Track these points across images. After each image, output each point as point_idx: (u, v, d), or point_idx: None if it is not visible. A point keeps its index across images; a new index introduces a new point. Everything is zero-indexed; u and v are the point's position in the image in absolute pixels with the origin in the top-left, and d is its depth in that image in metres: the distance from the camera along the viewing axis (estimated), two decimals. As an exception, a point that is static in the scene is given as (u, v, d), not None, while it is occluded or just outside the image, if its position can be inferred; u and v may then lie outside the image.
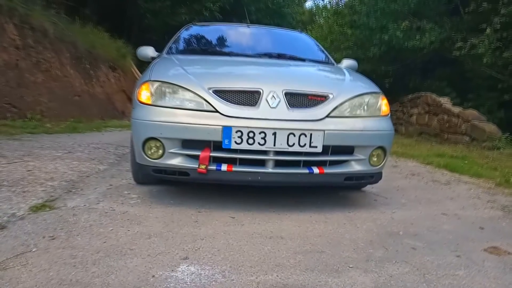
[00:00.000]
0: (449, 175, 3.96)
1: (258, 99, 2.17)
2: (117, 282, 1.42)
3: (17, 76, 7.03)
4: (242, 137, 2.10)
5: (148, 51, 3.35)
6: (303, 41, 3.77)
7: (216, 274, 1.51)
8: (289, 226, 2.11)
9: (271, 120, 2.13)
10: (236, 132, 2.09)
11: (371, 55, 9.68)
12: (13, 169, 2.90)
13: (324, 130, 2.16)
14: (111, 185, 2.79)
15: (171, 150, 2.18)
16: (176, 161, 2.19)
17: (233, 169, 2.17)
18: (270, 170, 2.19)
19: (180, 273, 1.51)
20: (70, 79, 9.02)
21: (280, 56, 3.18)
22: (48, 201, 2.27)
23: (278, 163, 2.21)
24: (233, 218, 2.19)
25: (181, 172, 2.20)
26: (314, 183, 2.32)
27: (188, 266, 1.57)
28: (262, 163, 2.20)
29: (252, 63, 2.80)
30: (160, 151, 2.20)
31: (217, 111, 2.13)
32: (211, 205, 2.39)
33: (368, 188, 3.08)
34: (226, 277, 1.50)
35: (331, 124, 2.20)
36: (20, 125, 6.04)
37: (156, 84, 2.25)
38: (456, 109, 7.60)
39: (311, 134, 2.14)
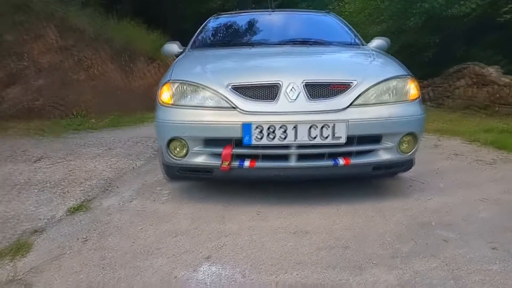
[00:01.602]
0: (496, 153, 3.71)
1: (277, 93, 2.14)
2: (141, 284, 1.48)
3: (61, 76, 7.39)
4: (263, 133, 2.08)
5: (173, 47, 3.37)
6: (329, 23, 3.64)
7: (236, 274, 1.53)
8: (315, 219, 2.09)
9: (291, 113, 2.09)
10: (256, 128, 2.08)
11: (411, 25, 9.15)
12: (55, 169, 3.08)
13: (347, 120, 2.09)
14: (145, 181, 2.88)
15: (194, 149, 2.21)
16: (200, 160, 2.22)
17: (256, 165, 2.17)
18: (293, 164, 2.16)
19: (201, 273, 1.55)
20: (110, 75, 9.35)
21: (304, 42, 3.09)
22: (85, 201, 2.39)
23: (301, 157, 2.18)
24: (259, 212, 2.20)
25: (205, 170, 2.23)
26: (340, 175, 2.27)
27: (210, 266, 1.60)
28: (285, 157, 2.18)
29: (273, 54, 2.75)
30: (184, 151, 2.23)
31: (236, 108, 2.12)
32: (238, 199, 2.41)
33: (406, 173, 2.96)
34: (246, 276, 1.52)
35: (355, 113, 2.12)
36: (66, 123, 6.38)
37: (176, 84, 2.27)
38: (506, 79, 7.07)
39: (333, 125, 2.08)
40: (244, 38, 3.37)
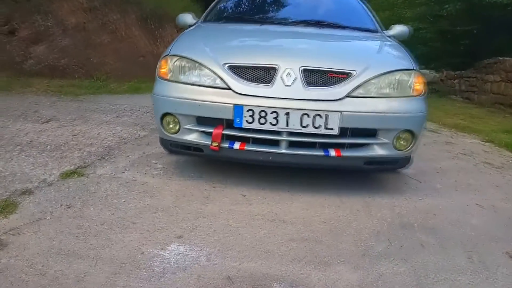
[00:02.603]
0: (507, 157, 3.57)
1: (273, 76, 2.09)
2: (108, 256, 1.52)
3: (84, 38, 7.48)
4: (254, 117, 2.06)
5: (186, 18, 3.32)
6: (351, 5, 3.49)
7: (201, 257, 1.55)
8: (297, 208, 2.08)
9: (284, 99, 2.05)
10: (248, 111, 2.05)
11: (448, 10, 8.71)
12: (60, 133, 3.16)
13: (341, 112, 2.04)
14: (144, 153, 2.92)
15: (187, 126, 2.21)
16: (191, 137, 2.23)
17: (246, 148, 2.15)
18: (283, 150, 2.13)
19: (168, 252, 1.57)
20: (135, 40, 9.38)
21: (318, 24, 2.99)
22: (79, 168, 2.45)
23: (293, 144, 2.15)
24: (244, 196, 2.20)
25: (196, 148, 2.24)
26: (330, 166, 2.23)
27: (178, 245, 1.63)
28: (276, 143, 2.15)
29: (279, 34, 2.67)
30: (177, 127, 2.24)
31: (230, 89, 2.09)
32: (229, 180, 2.42)
33: (406, 169, 2.89)
34: (210, 260, 1.53)
35: (350, 105, 2.06)
36: (86, 85, 6.50)
37: (174, 59, 2.25)
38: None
39: (326, 115, 2.03)
40: (256, 14, 3.27)
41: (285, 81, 2.08)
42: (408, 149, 2.23)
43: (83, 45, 7.35)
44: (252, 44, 2.50)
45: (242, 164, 2.66)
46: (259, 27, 2.82)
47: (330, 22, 3.02)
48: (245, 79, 2.11)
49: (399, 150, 2.21)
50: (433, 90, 10.55)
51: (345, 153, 2.14)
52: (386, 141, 2.16)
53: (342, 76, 2.12)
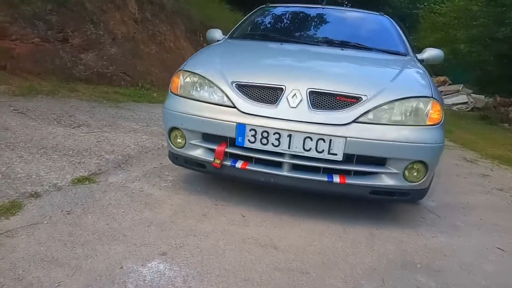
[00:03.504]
0: (552, 196, 3.23)
1: (279, 97, 2.05)
2: (88, 267, 1.53)
3: (133, 48, 7.84)
4: (256, 136, 2.02)
5: (216, 34, 3.38)
6: (381, 26, 3.38)
7: (178, 277, 1.53)
8: (295, 235, 2.00)
9: (288, 120, 2.00)
10: (250, 130, 2.02)
11: (501, 36, 8.21)
12: (86, 139, 3.29)
13: (346, 137, 1.95)
14: (160, 163, 2.97)
15: (192, 142, 2.22)
16: (196, 153, 2.23)
17: (247, 167, 2.12)
18: (285, 173, 2.08)
19: (147, 269, 1.56)
20: (182, 51, 9.69)
21: (343, 44, 2.92)
22: (93, 174, 2.53)
23: (296, 167, 2.08)
24: (244, 216, 2.16)
25: (199, 164, 2.23)
26: (334, 192, 2.13)
27: (159, 263, 1.61)
28: (278, 164, 2.10)
29: (295, 54, 2.63)
30: (183, 141, 2.25)
31: (235, 107, 2.08)
32: (233, 198, 2.39)
33: (428, 201, 2.71)
34: (186, 282, 1.50)
35: (357, 131, 1.97)
36: (130, 93, 6.80)
37: (186, 75, 2.28)
38: None
39: (330, 140, 1.96)
40: (282, 33, 3.25)
41: (290, 103, 2.03)
42: (420, 181, 2.08)
43: (130, 54, 7.70)
44: (264, 63, 2.47)
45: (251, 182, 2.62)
46: (280, 46, 2.80)
47: (356, 43, 2.95)
48: (251, 98, 2.09)
49: (410, 181, 2.07)
50: (483, 117, 9.93)
51: (350, 180, 2.04)
52: (396, 171, 2.03)
53: (352, 100, 2.03)
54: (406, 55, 2.92)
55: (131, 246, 1.72)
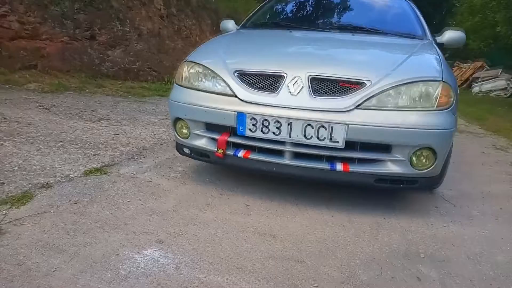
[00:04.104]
0: None
1: (280, 84, 2.02)
2: (85, 254, 1.58)
3: (158, 43, 7.97)
4: (256, 125, 2.00)
5: (229, 24, 3.37)
6: (398, 9, 3.24)
7: (171, 265, 1.54)
8: (296, 224, 1.97)
9: (288, 108, 1.97)
10: (251, 119, 2.01)
11: None
12: (104, 132, 3.39)
13: (347, 124, 1.89)
14: (173, 155, 3.01)
15: (196, 132, 2.23)
16: (200, 143, 2.24)
17: (250, 156, 2.11)
18: (287, 161, 2.05)
19: (142, 256, 1.59)
20: (207, 45, 9.72)
21: (355, 29, 2.83)
22: (105, 166, 2.60)
23: (299, 155, 2.05)
24: (247, 205, 2.15)
25: (203, 153, 2.24)
26: (337, 181, 2.07)
27: (155, 250, 1.64)
28: (281, 153, 2.07)
29: (303, 40, 2.58)
30: (187, 132, 2.27)
31: (235, 96, 2.06)
32: (240, 187, 2.39)
33: (444, 190, 2.60)
34: (178, 269, 1.52)
35: (358, 117, 1.90)
36: (155, 87, 6.93)
37: (190, 65, 2.30)
38: None
39: (331, 127, 1.91)
40: (292, 21, 3.20)
41: (291, 90, 1.99)
42: (429, 168, 1.99)
43: (156, 49, 7.84)
44: (266, 51, 2.43)
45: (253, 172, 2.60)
46: (288, 33, 2.75)
47: (370, 28, 2.85)
48: (252, 86, 2.07)
49: (418, 169, 1.99)
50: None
51: (354, 168, 1.99)
52: (401, 157, 1.96)
53: (355, 85, 1.97)
54: (422, 39, 2.79)
55: (130, 234, 1.76)
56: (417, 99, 1.96)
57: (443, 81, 1.99)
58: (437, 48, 2.53)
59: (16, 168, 2.35)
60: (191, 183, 2.43)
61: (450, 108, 1.99)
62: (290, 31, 2.79)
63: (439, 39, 3.00)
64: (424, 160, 1.99)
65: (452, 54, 19.52)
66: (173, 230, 1.82)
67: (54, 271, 1.45)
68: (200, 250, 1.66)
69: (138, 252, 1.62)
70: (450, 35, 2.97)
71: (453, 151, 3.76)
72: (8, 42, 5.66)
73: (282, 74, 2.03)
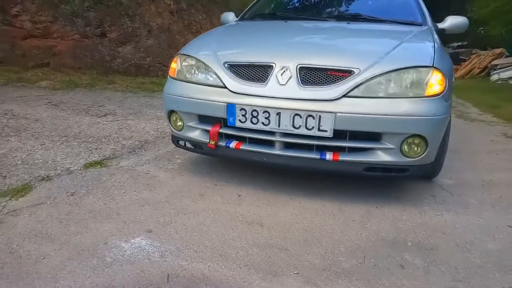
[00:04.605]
0: None
1: (269, 75, 2.03)
2: (75, 242, 1.64)
3: (168, 38, 8.04)
4: (246, 116, 2.02)
5: (229, 17, 3.40)
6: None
7: (156, 252, 1.59)
8: (286, 213, 1.99)
9: (276, 98, 1.97)
10: (240, 110, 2.02)
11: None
12: (109, 126, 3.47)
13: (335, 113, 1.89)
14: (174, 148, 3.04)
15: (189, 124, 2.26)
16: (194, 135, 2.27)
17: (241, 147, 2.13)
18: (277, 152, 2.06)
19: (129, 244, 1.64)
20: (218, 39, 9.74)
21: (353, 18, 2.81)
22: (106, 159, 2.67)
23: (289, 145, 2.06)
24: (240, 196, 2.18)
25: (196, 145, 2.27)
26: (327, 170, 2.07)
27: (143, 239, 1.68)
28: (271, 143, 2.08)
29: (296, 31, 2.56)
30: (182, 124, 2.30)
31: (225, 87, 2.08)
32: (235, 178, 2.42)
33: (444, 179, 2.57)
34: (163, 257, 1.56)
35: (346, 106, 1.90)
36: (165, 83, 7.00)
37: (183, 58, 2.33)
38: None
39: (319, 116, 1.91)
40: (290, 11, 3.19)
41: (279, 80, 2.00)
42: (419, 156, 1.97)
43: (166, 44, 7.91)
44: (257, 41, 2.43)
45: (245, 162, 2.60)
46: (283, 24, 2.75)
47: (367, 16, 2.82)
48: (242, 77, 2.08)
49: (408, 157, 1.97)
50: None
51: (344, 157, 1.98)
52: (391, 146, 1.94)
53: (343, 74, 1.96)
54: (421, 25, 2.74)
55: (120, 223, 1.81)
56: (406, 86, 1.94)
57: (434, 67, 1.96)
58: (434, 35, 2.48)
59: (19, 162, 2.44)
60: (188, 175, 2.47)
61: (442, 95, 1.96)
62: (286, 22, 2.78)
63: (440, 25, 2.95)
64: (415, 148, 1.97)
65: (470, 43, 19.03)
66: (163, 219, 1.87)
67: (43, 258, 1.51)
68: (186, 239, 1.70)
69: (126, 241, 1.66)
70: (451, 20, 2.93)
71: (460, 140, 3.72)
72: (21, 41, 5.82)
73: (271, 64, 2.04)
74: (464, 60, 15.85)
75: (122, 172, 2.44)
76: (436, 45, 2.22)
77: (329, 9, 3.06)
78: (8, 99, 4.04)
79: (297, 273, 1.48)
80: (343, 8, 3.03)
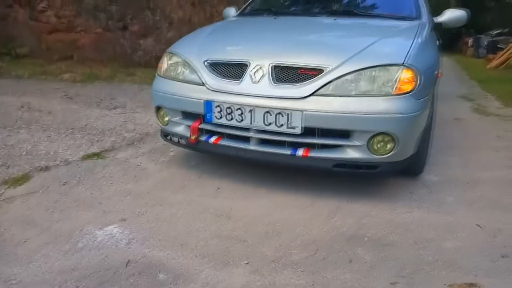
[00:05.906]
0: None
1: (244, 73, 2.11)
2: (56, 228, 1.81)
3: (189, 30, 8.05)
4: (222, 113, 2.12)
5: (230, 12, 3.49)
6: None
7: (123, 240, 1.73)
8: (258, 207, 2.08)
9: (250, 96, 2.06)
10: (216, 107, 2.12)
11: None
12: (115, 119, 3.66)
13: (303, 111, 1.95)
14: (172, 140, 3.19)
15: (174, 119, 2.39)
16: (178, 129, 2.40)
17: (219, 142, 2.23)
18: (252, 147, 2.15)
19: (102, 232, 1.79)
20: (239, 30, 9.81)
21: (344, 13, 2.83)
22: (104, 151, 2.85)
23: (264, 141, 2.14)
24: (218, 189, 2.29)
25: (180, 139, 2.40)
26: (298, 166, 2.14)
27: (115, 227, 1.83)
28: (247, 139, 2.17)
29: (279, 28, 2.62)
30: (167, 119, 2.43)
31: (205, 84, 2.19)
32: (220, 172, 2.52)
33: (429, 175, 2.56)
34: (129, 244, 1.70)
35: (314, 104, 1.95)
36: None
37: (169, 56, 2.45)
38: None
39: (288, 114, 1.98)
40: (284, 7, 3.24)
41: (253, 78, 2.08)
42: (388, 154, 2.00)
43: (186, 36, 8.06)
44: (237, 39, 2.51)
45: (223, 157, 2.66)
46: (271, 20, 2.80)
47: (359, 11, 2.83)
48: (220, 75, 2.18)
49: (377, 154, 2.00)
50: None
51: (314, 153, 2.05)
52: (360, 143, 1.98)
53: (314, 72, 2.01)
54: (413, 20, 2.72)
55: (99, 212, 1.97)
56: (375, 85, 1.96)
57: (406, 66, 1.97)
58: (422, 30, 2.47)
59: (24, 153, 2.66)
60: (175, 167, 2.61)
61: (412, 93, 1.97)
62: (275, 18, 2.83)
63: (437, 19, 2.92)
64: (384, 146, 2.00)
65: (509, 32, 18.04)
66: (139, 210, 2.01)
67: (24, 242, 1.69)
68: (155, 228, 1.83)
69: (100, 228, 1.82)
70: (449, 14, 2.91)
71: (465, 135, 3.64)
72: (46, 35, 6.16)
73: (246, 62, 2.12)
74: (502, 49, 15.07)
75: (115, 164, 2.61)
76: (418, 41, 2.22)
77: (320, 5, 3.07)
78: (29, 91, 4.33)
79: (247, 263, 1.58)
80: (334, 4, 3.03)
